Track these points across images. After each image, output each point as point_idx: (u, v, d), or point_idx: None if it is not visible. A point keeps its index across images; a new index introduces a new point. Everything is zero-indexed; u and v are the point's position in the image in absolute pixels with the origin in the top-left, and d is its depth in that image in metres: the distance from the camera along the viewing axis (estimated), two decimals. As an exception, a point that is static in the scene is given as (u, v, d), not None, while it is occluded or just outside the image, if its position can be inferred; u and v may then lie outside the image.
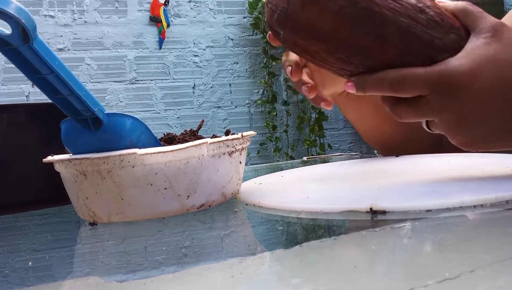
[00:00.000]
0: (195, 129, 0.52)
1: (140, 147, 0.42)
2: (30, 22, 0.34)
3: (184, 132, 0.52)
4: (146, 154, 0.41)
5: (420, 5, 0.42)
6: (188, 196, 0.43)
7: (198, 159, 0.43)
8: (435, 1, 0.45)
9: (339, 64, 0.44)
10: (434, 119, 0.43)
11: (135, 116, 0.42)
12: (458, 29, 0.44)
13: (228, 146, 0.46)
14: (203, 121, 0.59)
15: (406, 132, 0.71)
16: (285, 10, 0.43)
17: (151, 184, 0.42)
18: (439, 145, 0.72)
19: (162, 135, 0.50)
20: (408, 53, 0.42)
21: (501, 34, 0.42)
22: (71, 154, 0.44)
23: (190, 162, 0.43)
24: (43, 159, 0.46)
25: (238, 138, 0.48)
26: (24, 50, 0.35)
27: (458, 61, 0.42)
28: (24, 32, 0.34)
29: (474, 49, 0.42)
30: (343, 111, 0.73)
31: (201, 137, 0.48)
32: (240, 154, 0.49)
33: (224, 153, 0.46)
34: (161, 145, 0.44)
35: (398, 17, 0.41)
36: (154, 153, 0.41)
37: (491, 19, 0.44)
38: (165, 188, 0.42)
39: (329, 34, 0.42)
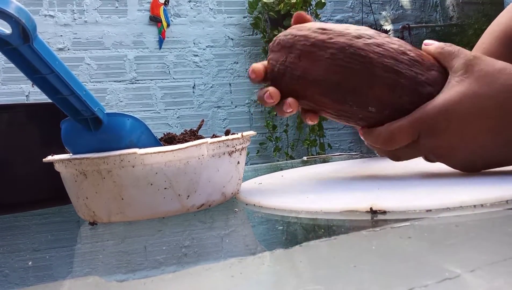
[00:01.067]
0: (195, 129, 0.52)
1: (140, 147, 0.42)
2: (30, 22, 0.34)
3: (184, 132, 0.52)
4: (146, 154, 0.41)
5: (402, 48, 0.47)
6: (188, 196, 0.43)
7: (198, 159, 0.43)
8: (424, 43, 0.50)
9: (335, 105, 0.48)
10: (429, 155, 0.48)
11: (135, 116, 0.42)
12: (439, 67, 0.48)
13: (228, 146, 0.46)
14: (203, 121, 0.59)
15: None
16: (284, 62, 0.49)
17: (151, 184, 0.42)
18: None
19: (162, 135, 0.50)
20: (395, 88, 0.46)
21: (472, 69, 0.45)
22: (71, 154, 0.44)
23: (190, 162, 0.43)
24: (43, 159, 0.46)
25: (238, 138, 0.48)
26: (24, 50, 0.35)
27: (434, 103, 0.45)
28: (24, 32, 0.34)
29: (450, 88, 0.45)
30: None
31: (201, 137, 0.48)
32: (240, 154, 0.49)
33: (224, 153, 0.46)
34: (161, 145, 0.44)
35: (382, 58, 0.46)
36: (154, 153, 0.41)
37: (464, 56, 0.46)
38: (165, 188, 0.42)
39: (323, 77, 0.47)
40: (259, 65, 0.52)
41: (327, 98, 0.48)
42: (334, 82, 0.47)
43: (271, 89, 0.50)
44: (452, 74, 0.46)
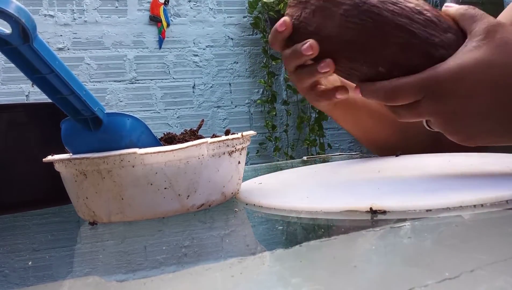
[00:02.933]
0: (195, 128, 0.52)
1: (140, 147, 0.42)
2: (30, 21, 0.34)
3: (184, 132, 0.52)
4: (146, 153, 0.41)
5: (418, 8, 0.46)
6: (188, 196, 0.43)
7: (198, 159, 0.43)
8: (445, 5, 0.48)
9: (346, 63, 0.48)
10: (430, 119, 0.45)
11: (135, 115, 0.42)
12: (456, 30, 0.46)
13: (228, 145, 0.46)
14: (203, 120, 0.59)
15: (402, 134, 0.71)
16: (299, 17, 0.49)
17: (151, 184, 0.42)
18: (439, 145, 0.72)
19: (162, 135, 0.50)
20: (407, 49, 0.45)
21: (493, 36, 0.43)
22: (71, 154, 0.44)
23: (190, 161, 0.43)
24: (43, 159, 0.46)
25: (238, 138, 0.47)
26: (24, 49, 0.35)
27: (446, 66, 0.43)
28: (24, 32, 0.34)
29: (465, 53, 0.43)
30: (339, 120, 0.72)
31: (201, 137, 0.48)
32: (240, 154, 0.49)
33: (224, 153, 0.46)
34: (161, 145, 0.44)
35: (396, 17, 0.45)
36: (154, 152, 0.41)
37: (486, 21, 0.44)
38: (165, 188, 0.42)
39: (335, 34, 0.47)
40: (287, 18, 0.50)
41: (339, 55, 0.47)
42: (346, 39, 0.46)
43: (312, 40, 0.48)
44: (470, 37, 0.44)
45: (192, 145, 0.42)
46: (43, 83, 0.39)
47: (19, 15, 0.33)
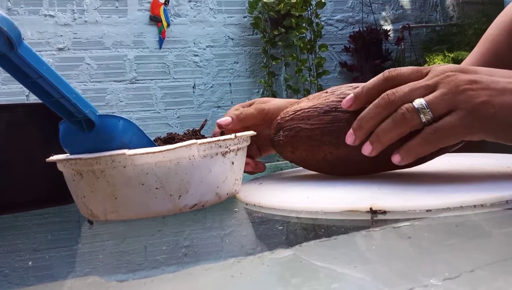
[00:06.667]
0: (197, 128, 0.52)
1: (131, 148, 0.42)
2: (13, 29, 0.34)
3: (186, 132, 0.52)
4: (135, 154, 0.41)
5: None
6: (180, 196, 0.43)
7: (189, 160, 0.43)
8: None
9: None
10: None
11: (133, 116, 0.42)
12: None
13: (220, 146, 0.46)
14: (205, 120, 0.59)
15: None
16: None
17: (143, 184, 0.42)
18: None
19: (165, 135, 0.50)
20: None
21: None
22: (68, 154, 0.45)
23: (180, 162, 0.43)
24: (46, 159, 0.46)
25: (231, 139, 0.47)
26: (12, 56, 0.35)
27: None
28: (9, 40, 0.34)
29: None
30: None
31: (203, 137, 0.47)
32: (236, 155, 0.49)
33: (216, 154, 0.46)
34: (154, 146, 0.44)
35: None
36: (143, 153, 0.41)
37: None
38: (156, 188, 0.42)
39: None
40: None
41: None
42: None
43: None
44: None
45: (182, 146, 0.42)
46: (35, 87, 0.39)
47: (1, 24, 0.33)
